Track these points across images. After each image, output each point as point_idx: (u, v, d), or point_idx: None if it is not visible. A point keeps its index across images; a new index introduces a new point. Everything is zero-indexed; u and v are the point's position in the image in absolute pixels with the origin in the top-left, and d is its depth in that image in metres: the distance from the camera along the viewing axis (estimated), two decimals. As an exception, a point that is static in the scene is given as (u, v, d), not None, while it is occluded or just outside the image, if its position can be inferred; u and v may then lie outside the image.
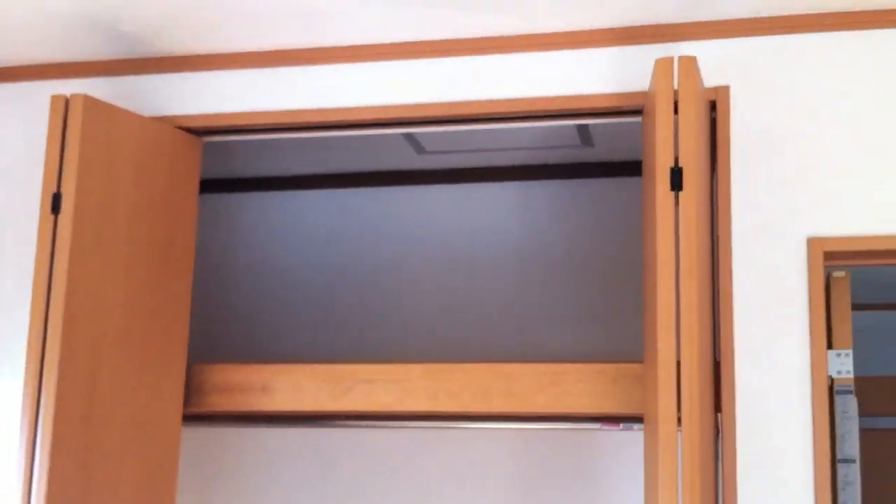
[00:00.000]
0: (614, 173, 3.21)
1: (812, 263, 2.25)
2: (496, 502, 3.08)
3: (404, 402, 2.52)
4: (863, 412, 3.05)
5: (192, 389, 2.61)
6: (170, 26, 2.48)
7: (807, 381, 2.22)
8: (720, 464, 2.23)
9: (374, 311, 3.32)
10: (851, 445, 2.78)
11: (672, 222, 2.01)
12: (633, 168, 3.12)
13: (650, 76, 2.32)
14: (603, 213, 3.22)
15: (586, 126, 2.88)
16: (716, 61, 2.36)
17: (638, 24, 2.40)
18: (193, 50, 2.60)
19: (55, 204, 2.31)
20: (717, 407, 2.25)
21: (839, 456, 2.79)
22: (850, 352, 2.65)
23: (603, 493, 3.02)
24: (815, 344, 2.23)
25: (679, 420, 1.94)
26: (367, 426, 2.89)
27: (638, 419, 2.54)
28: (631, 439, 2.99)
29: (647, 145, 2.22)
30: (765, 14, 2.34)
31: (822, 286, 2.25)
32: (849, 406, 2.76)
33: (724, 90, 2.35)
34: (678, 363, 1.96)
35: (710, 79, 2.35)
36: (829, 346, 2.67)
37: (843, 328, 2.69)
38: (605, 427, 2.60)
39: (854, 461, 2.78)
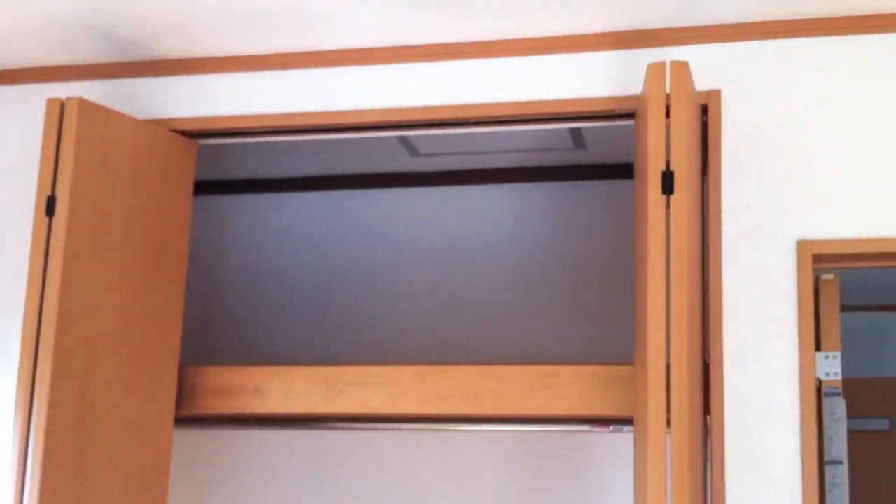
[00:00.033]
0: (607, 176, 3.23)
1: (801, 266, 2.27)
2: (488, 503, 3.09)
3: (396, 404, 2.53)
4: (852, 414, 3.07)
5: (184, 392, 2.61)
6: (165, 30, 2.49)
7: (795, 384, 2.24)
8: (709, 465, 2.24)
9: (369, 312, 3.32)
10: (839, 447, 2.80)
11: (663, 225, 2.03)
12: (625, 171, 3.13)
13: (643, 80, 2.33)
14: (596, 215, 3.23)
15: (579, 129, 2.89)
16: (707, 66, 2.38)
17: (631, 28, 2.41)
18: (189, 53, 2.61)
19: (49, 206, 2.32)
20: (707, 409, 2.26)
21: (827, 458, 2.81)
22: (839, 354, 2.67)
23: (594, 494, 3.03)
24: (803, 346, 2.25)
25: (668, 422, 1.95)
26: (359, 428, 2.91)
27: (628, 421, 2.54)
28: (621, 441, 3.00)
29: (640, 149, 2.24)
30: (756, 19, 2.36)
31: (810, 289, 2.27)
32: (837, 408, 2.78)
33: (715, 94, 2.37)
34: (668, 365, 1.97)
35: (702, 83, 2.37)
36: (818, 349, 2.69)
37: (832, 330, 2.71)
38: (596, 429, 2.61)
39: (842, 463, 2.80)
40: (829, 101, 2.34)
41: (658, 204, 2.04)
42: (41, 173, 2.33)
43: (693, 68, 2.34)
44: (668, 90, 2.08)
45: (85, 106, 2.36)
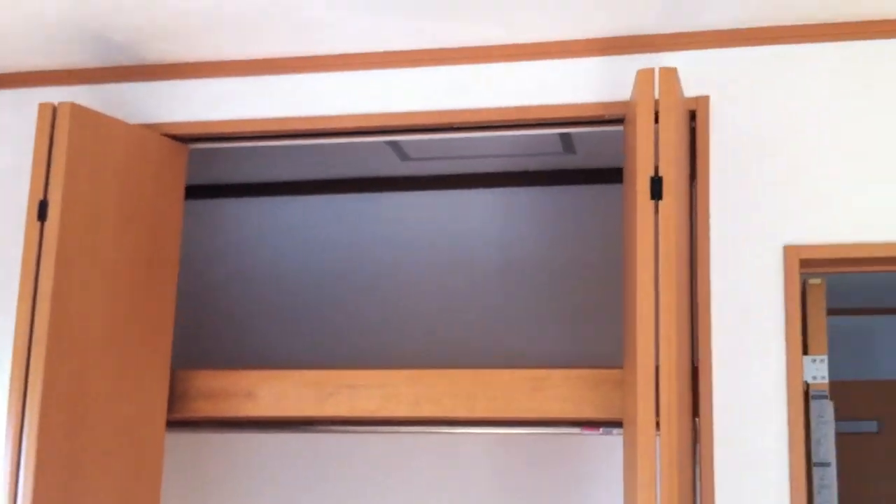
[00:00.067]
0: (595, 180, 3.24)
1: (788, 271, 2.28)
2: (479, 505, 3.11)
3: (387, 407, 2.54)
4: (841, 416, 3.09)
5: (176, 395, 2.61)
6: (157, 35, 2.50)
7: (783, 387, 2.25)
8: (698, 467, 2.26)
9: (362, 315, 3.33)
10: (827, 449, 2.82)
11: (652, 230, 2.04)
12: (613, 175, 3.14)
13: (631, 86, 2.35)
14: (584, 219, 3.25)
15: (568, 134, 2.91)
16: (696, 72, 2.39)
17: (620, 34, 2.42)
18: (181, 58, 2.62)
19: (41, 211, 2.32)
20: (695, 412, 2.27)
21: (815, 459, 2.83)
22: (826, 358, 2.69)
23: (584, 496, 3.04)
24: (790, 350, 2.26)
25: (657, 424, 1.97)
26: (351, 431, 2.91)
27: (618, 424, 2.56)
28: (611, 443, 3.01)
29: (628, 154, 2.25)
30: (743, 26, 2.38)
31: (797, 293, 2.28)
32: (824, 411, 2.80)
33: (703, 100, 2.38)
34: (657, 369, 1.98)
35: (690, 89, 2.38)
36: (805, 352, 2.71)
37: (819, 334, 2.73)
38: (586, 431, 2.63)
39: (829, 465, 2.82)
40: (816, 106, 2.35)
41: (647, 209, 2.05)
42: (33, 177, 2.33)
43: (681, 74, 2.35)
44: (656, 96, 2.09)
45: (77, 111, 2.36)
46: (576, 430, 2.63)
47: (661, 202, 2.05)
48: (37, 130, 2.35)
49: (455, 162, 3.25)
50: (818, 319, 2.74)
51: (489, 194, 3.33)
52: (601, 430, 2.61)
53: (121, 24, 2.45)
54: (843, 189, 2.31)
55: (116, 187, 2.45)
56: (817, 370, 2.69)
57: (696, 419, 2.28)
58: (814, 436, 2.80)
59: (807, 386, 2.78)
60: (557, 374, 2.47)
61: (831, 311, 2.85)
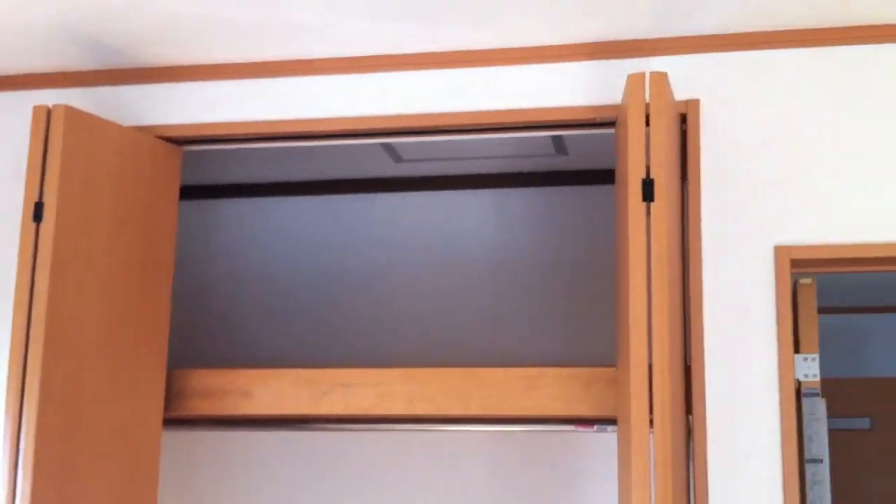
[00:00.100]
0: (587, 182, 3.25)
1: (779, 271, 2.30)
2: (474, 502, 3.11)
3: (381, 405, 2.55)
4: (834, 413, 3.11)
5: (172, 394, 2.62)
6: (151, 38, 2.50)
7: (775, 385, 2.27)
8: (691, 464, 2.27)
9: (357, 315, 3.34)
10: (819, 446, 2.84)
11: (644, 232, 2.05)
12: (605, 176, 3.15)
13: (623, 90, 2.36)
14: (576, 220, 3.26)
15: (560, 136, 2.92)
16: (686, 75, 2.41)
17: (611, 39, 2.44)
18: (175, 61, 2.62)
19: (37, 212, 2.33)
20: (688, 409, 2.29)
21: (808, 456, 2.85)
22: (817, 356, 2.71)
23: (578, 492, 3.06)
24: (782, 349, 2.27)
25: (651, 422, 1.98)
26: (347, 429, 2.92)
27: (612, 421, 2.57)
28: (605, 441, 3.03)
29: (620, 157, 2.26)
30: (734, 31, 2.39)
31: (788, 293, 2.30)
32: (816, 408, 2.82)
33: (694, 103, 2.39)
34: (650, 367, 1.99)
35: (681, 92, 2.40)
36: (797, 351, 2.73)
37: (810, 333, 2.75)
38: (580, 429, 2.64)
39: (822, 461, 2.84)
40: (805, 110, 2.37)
41: (638, 211, 2.06)
42: (28, 180, 2.34)
43: (672, 78, 2.37)
44: (647, 100, 2.10)
45: (71, 113, 2.37)
46: (570, 427, 2.64)
47: (652, 204, 2.06)
48: (31, 133, 2.35)
49: (448, 163, 3.26)
50: (809, 318, 2.76)
51: (482, 195, 3.33)
52: (595, 427, 2.62)
53: (115, 28, 2.45)
54: (834, 190, 2.32)
55: (111, 189, 2.46)
56: (809, 368, 2.71)
57: (690, 417, 2.29)
58: (806, 432, 2.82)
59: (799, 384, 2.80)
60: (551, 373, 2.48)
61: (823, 310, 2.87)
